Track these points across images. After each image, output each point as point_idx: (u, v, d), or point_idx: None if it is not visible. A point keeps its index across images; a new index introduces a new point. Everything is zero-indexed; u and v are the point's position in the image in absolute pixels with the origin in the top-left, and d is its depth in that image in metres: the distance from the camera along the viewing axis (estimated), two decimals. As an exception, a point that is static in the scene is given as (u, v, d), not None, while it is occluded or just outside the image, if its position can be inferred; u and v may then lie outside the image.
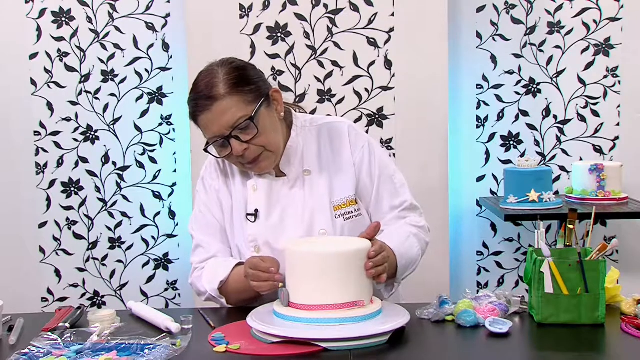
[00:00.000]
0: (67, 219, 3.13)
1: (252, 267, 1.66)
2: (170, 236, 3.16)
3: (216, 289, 1.77)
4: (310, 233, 1.80)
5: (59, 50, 3.06)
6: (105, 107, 3.10)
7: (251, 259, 1.70)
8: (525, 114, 3.12)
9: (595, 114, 3.10)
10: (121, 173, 3.13)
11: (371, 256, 1.55)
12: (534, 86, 3.10)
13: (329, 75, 2.86)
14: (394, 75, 2.86)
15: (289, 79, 2.86)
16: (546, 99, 3.11)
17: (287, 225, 1.81)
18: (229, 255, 1.88)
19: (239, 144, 1.72)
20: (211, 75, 1.73)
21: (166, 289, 3.18)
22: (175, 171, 3.13)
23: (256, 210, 1.82)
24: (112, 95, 3.09)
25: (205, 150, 1.77)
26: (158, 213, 3.15)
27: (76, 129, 3.10)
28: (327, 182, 1.84)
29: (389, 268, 1.66)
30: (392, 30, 2.84)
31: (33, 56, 3.06)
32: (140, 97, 3.10)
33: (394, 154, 2.87)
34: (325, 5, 2.82)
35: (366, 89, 2.87)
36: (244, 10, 2.82)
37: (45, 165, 3.10)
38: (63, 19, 3.05)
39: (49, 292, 3.15)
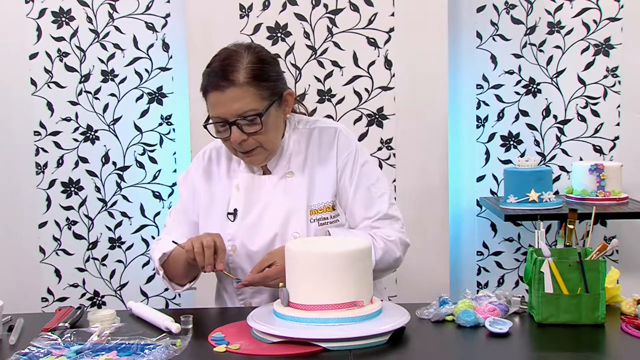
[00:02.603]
0: (67, 219, 3.13)
1: (206, 245, 1.66)
2: (170, 236, 3.16)
3: (158, 259, 1.81)
4: (283, 235, 1.80)
5: (59, 50, 3.06)
6: (105, 107, 3.10)
7: (206, 239, 1.68)
8: (525, 114, 3.12)
9: (595, 114, 3.10)
10: (121, 173, 3.13)
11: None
12: (534, 86, 3.10)
13: (329, 75, 2.86)
14: (394, 75, 2.86)
15: (289, 79, 2.81)
16: (546, 99, 3.11)
17: (262, 225, 1.82)
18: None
19: (239, 133, 1.72)
20: (235, 57, 1.73)
21: (166, 289, 3.18)
22: (175, 171, 3.13)
23: (235, 210, 1.83)
24: (112, 95, 3.09)
25: (205, 126, 1.78)
26: (158, 213, 3.15)
27: (76, 129, 3.10)
28: (307, 186, 1.83)
29: None
30: (392, 30, 2.84)
31: (33, 56, 3.06)
32: (140, 97, 3.10)
33: (394, 154, 2.87)
34: (325, 5, 2.82)
35: (366, 89, 2.87)
36: (244, 10, 2.82)
37: (45, 165, 3.10)
38: (63, 19, 3.05)
39: (49, 292, 3.15)
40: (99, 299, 3.17)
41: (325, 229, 1.81)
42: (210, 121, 1.76)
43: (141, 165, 3.13)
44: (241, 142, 1.74)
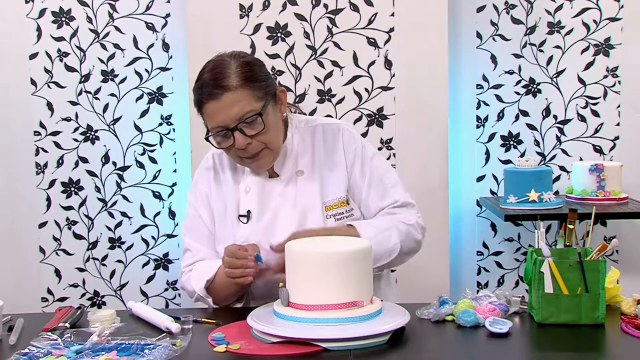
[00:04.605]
0: (67, 219, 3.13)
1: (229, 254, 1.68)
2: (170, 236, 3.16)
3: (203, 288, 1.78)
4: None
5: (59, 50, 3.06)
6: (105, 107, 3.10)
7: (230, 246, 1.71)
8: (525, 114, 3.12)
9: (595, 114, 3.10)
10: (121, 173, 3.13)
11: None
12: (534, 86, 3.10)
13: (329, 75, 2.86)
14: (394, 75, 2.86)
15: (289, 79, 2.86)
16: (546, 99, 3.11)
17: (278, 225, 1.81)
18: (216, 259, 1.87)
19: (242, 138, 1.72)
20: (223, 65, 1.73)
21: (166, 289, 3.18)
22: (175, 171, 3.13)
23: (248, 212, 1.83)
24: (112, 95, 3.09)
25: (206, 139, 1.77)
26: (158, 213, 3.15)
27: (76, 129, 3.10)
28: (319, 183, 1.84)
29: None
30: (392, 30, 2.84)
31: (33, 56, 3.06)
32: (140, 97, 3.10)
33: (394, 154, 2.87)
34: (325, 5, 2.82)
35: (366, 89, 2.87)
36: (244, 10, 2.82)
37: (45, 165, 3.10)
38: (63, 19, 3.05)
39: (49, 292, 3.15)
40: (99, 299, 3.17)
41: (342, 224, 1.82)
42: (211, 133, 1.74)
43: (141, 165, 3.13)
44: (246, 147, 1.73)
